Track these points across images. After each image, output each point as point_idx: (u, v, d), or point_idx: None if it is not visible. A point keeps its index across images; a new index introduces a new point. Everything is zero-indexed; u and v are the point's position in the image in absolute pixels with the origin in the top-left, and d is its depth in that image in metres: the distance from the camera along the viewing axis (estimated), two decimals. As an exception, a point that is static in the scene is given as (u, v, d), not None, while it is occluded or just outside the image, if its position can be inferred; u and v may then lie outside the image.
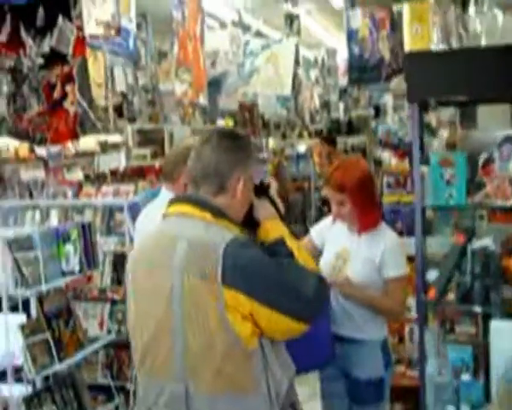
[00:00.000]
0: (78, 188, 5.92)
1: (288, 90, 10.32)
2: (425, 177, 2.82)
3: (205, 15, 8.33)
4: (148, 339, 1.97)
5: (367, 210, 2.97)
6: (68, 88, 4.28)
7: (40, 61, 4.29)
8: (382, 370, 2.97)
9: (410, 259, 3.04)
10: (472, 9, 2.75)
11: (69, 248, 3.35)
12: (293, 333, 1.95)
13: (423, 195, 2.82)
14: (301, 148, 11.32)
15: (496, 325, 2.46)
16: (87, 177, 6.25)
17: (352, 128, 11.27)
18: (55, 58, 4.28)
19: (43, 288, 3.14)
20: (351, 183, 2.93)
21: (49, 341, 3.20)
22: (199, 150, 2.01)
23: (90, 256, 3.51)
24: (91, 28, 4.84)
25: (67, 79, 4.29)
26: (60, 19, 4.21)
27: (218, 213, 1.96)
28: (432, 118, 5.22)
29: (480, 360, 2.69)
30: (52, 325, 3.32)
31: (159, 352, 1.94)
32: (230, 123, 8.82)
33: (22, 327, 3.11)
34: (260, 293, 1.85)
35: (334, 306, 2.97)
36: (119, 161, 7.50)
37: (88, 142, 7.77)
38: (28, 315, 3.26)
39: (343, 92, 13.16)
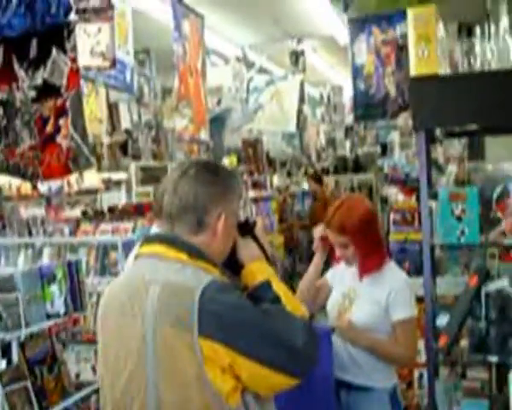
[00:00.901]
0: (76, 225, 5.78)
1: (292, 127, 10.23)
2: (433, 213, 2.61)
3: (209, 52, 8.29)
4: (119, 396, 1.75)
5: (370, 252, 2.78)
6: (61, 122, 4.12)
7: (33, 93, 4.14)
8: (390, 421, 2.74)
9: (419, 300, 2.85)
10: (478, 39, 2.59)
11: (54, 288, 3.15)
12: (280, 388, 1.73)
13: (432, 232, 2.61)
14: (307, 185, 11.18)
15: (515, 376, 2.23)
16: (85, 214, 6.11)
17: (358, 166, 11.16)
18: (48, 91, 4.13)
19: (23, 332, 2.93)
20: (352, 224, 2.74)
21: (29, 389, 2.98)
22: (175, 183, 1.79)
23: (76, 297, 3.30)
24: (85, 60, 4.70)
25: (61, 112, 4.14)
26: (53, 50, 4.07)
27: (196, 253, 1.75)
28: (439, 153, 5.06)
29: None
30: (35, 371, 3.10)
31: None
32: (234, 160, 8.70)
33: (0, 374, 2.90)
34: (241, 344, 1.64)
35: (341, 351, 2.78)
36: (121, 198, 7.42)
37: (92, 179, 7.71)
38: (10, 361, 3.05)
39: (349, 130, 13.06)
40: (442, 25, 2.65)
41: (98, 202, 7.45)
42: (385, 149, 9.62)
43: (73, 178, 7.65)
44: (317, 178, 9.90)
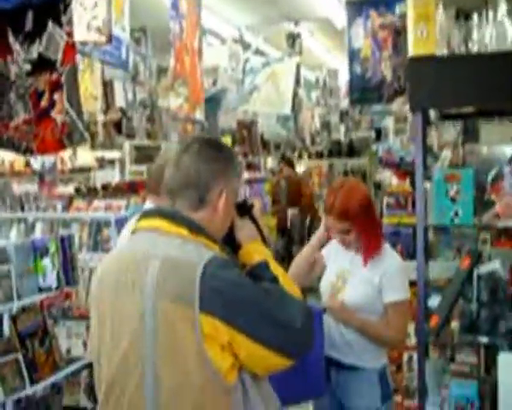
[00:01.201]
0: (68, 202, 5.77)
1: (287, 109, 10.19)
2: (428, 195, 2.61)
3: (205, 32, 8.23)
4: (114, 372, 1.73)
5: (371, 236, 2.78)
6: (56, 96, 4.09)
7: (28, 67, 4.10)
8: (378, 401, 2.76)
9: (411, 283, 2.85)
10: (475, 24, 2.58)
11: (46, 262, 3.14)
12: (275, 368, 1.72)
13: (426, 213, 2.61)
14: (301, 168, 11.18)
15: (504, 357, 2.24)
16: (78, 191, 6.09)
17: (352, 150, 11.16)
18: (43, 65, 4.10)
19: (15, 305, 2.93)
20: (354, 208, 2.72)
21: (20, 361, 2.98)
22: (177, 159, 1.78)
23: (69, 272, 3.30)
24: (82, 34, 4.65)
25: (56, 86, 4.10)
26: (49, 24, 4.03)
27: (196, 228, 1.74)
28: (433, 138, 5.06)
29: (487, 397, 2.47)
30: (26, 344, 3.11)
31: (126, 387, 1.71)
32: (229, 141, 8.68)
33: (-9, 346, 2.91)
34: (241, 321, 1.63)
35: (333, 330, 2.79)
36: (114, 176, 7.39)
37: (85, 157, 7.67)
38: (1, 333, 3.05)
39: (344, 114, 13.03)
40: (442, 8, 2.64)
41: (91, 180, 7.43)
42: (379, 135, 9.62)
43: (67, 155, 7.63)
44: (289, 163, 9.95)
